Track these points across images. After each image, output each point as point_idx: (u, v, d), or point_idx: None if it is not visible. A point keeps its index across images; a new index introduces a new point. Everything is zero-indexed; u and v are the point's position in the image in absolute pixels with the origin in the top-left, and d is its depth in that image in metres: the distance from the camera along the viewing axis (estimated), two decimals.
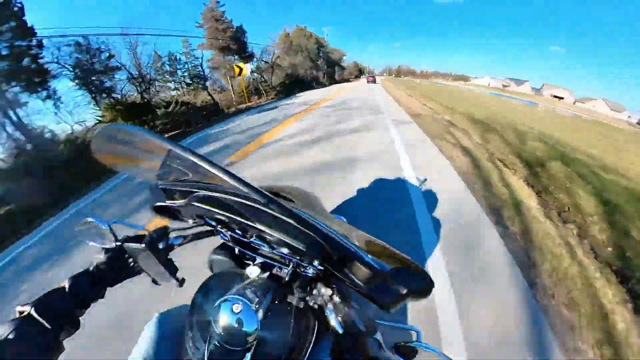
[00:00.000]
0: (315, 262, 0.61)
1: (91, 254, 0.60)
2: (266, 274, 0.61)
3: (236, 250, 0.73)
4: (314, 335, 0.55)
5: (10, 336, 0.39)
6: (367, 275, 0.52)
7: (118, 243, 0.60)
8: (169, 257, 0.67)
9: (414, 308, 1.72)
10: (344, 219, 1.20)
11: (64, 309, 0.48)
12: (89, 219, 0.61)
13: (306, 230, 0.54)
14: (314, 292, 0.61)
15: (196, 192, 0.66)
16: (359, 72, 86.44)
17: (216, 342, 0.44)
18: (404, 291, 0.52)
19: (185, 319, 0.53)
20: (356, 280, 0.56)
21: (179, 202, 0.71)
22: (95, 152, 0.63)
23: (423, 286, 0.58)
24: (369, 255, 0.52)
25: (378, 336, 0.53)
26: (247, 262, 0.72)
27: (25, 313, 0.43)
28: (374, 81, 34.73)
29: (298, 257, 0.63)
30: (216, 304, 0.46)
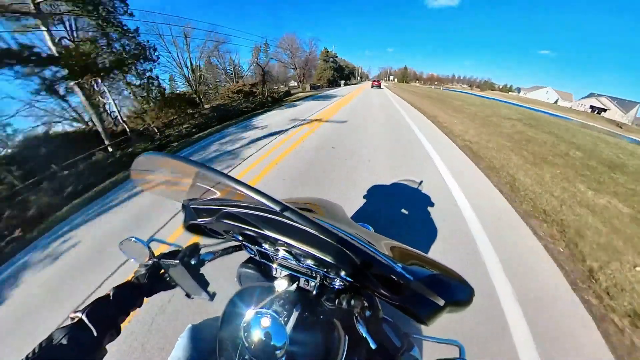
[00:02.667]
0: (343, 274, 0.60)
1: None
2: (294, 287, 0.61)
3: (263, 264, 0.74)
4: (345, 350, 0.52)
5: (64, 341, 0.43)
6: (399, 285, 0.49)
7: (155, 259, 0.65)
8: (200, 272, 0.69)
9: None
10: (371, 228, 1.17)
11: (109, 316, 0.52)
12: (131, 238, 0.66)
13: (331, 241, 0.53)
14: (343, 304, 0.58)
15: (223, 209, 0.69)
16: (340, 74, 51.28)
17: (246, 356, 0.44)
18: (442, 302, 0.48)
19: (217, 331, 0.54)
20: (387, 292, 0.53)
21: (208, 219, 0.75)
22: (135, 181, 0.69)
23: (463, 296, 0.53)
24: (399, 264, 0.49)
25: (415, 352, 0.49)
26: (275, 275, 0.72)
27: (77, 319, 0.48)
28: (379, 86, 34.60)
29: (325, 269, 0.62)
30: (245, 317, 0.46)
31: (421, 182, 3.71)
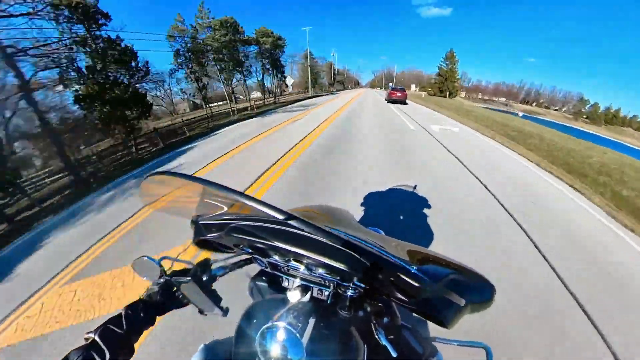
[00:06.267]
0: (356, 280, 0.58)
1: None
2: (307, 297, 0.60)
3: (274, 275, 0.73)
4: None
5: None
6: (415, 288, 0.48)
7: (167, 277, 0.65)
8: (212, 287, 0.69)
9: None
10: (382, 231, 1.15)
11: (122, 336, 0.52)
12: (143, 257, 0.67)
13: (341, 248, 0.52)
14: (359, 312, 0.57)
15: (232, 223, 0.69)
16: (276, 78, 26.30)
17: None
18: (462, 303, 0.46)
19: (231, 350, 0.53)
20: (404, 296, 0.52)
21: (217, 234, 0.75)
22: (143, 201, 0.70)
23: (484, 294, 0.51)
24: (414, 267, 0.48)
25: (440, 357, 0.46)
26: (287, 286, 0.71)
27: (91, 340, 0.48)
28: (404, 100, 18.11)
29: (338, 277, 0.61)
30: (259, 332, 0.45)
31: (415, 185, 3.76)
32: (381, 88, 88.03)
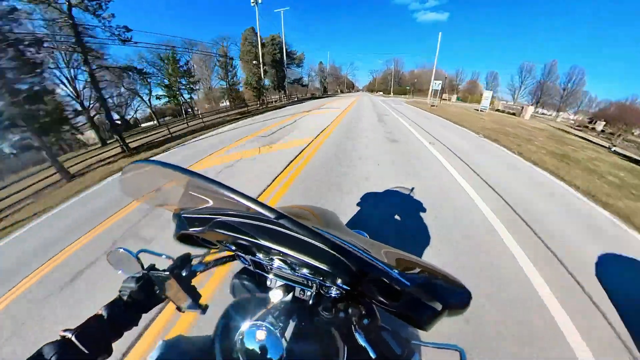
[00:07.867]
0: (339, 282, 0.59)
1: None
2: (289, 297, 0.59)
3: (257, 274, 0.72)
4: None
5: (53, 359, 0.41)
6: (396, 292, 0.49)
7: (145, 272, 0.62)
8: (192, 284, 0.67)
9: None
10: (366, 235, 1.16)
11: (101, 337, 0.49)
12: (120, 249, 0.64)
13: (326, 249, 0.52)
14: (340, 313, 0.57)
15: (216, 218, 0.68)
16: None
17: None
18: (439, 307, 0.48)
19: (192, 349, 0.52)
20: (385, 299, 0.53)
21: (200, 229, 0.73)
22: (124, 190, 0.67)
23: (460, 300, 0.53)
24: (396, 270, 0.49)
25: (416, 358, 0.48)
26: (270, 285, 0.70)
27: (67, 339, 0.45)
28: None
29: (321, 278, 0.61)
30: (239, 330, 0.44)
31: (412, 188, 4.08)
32: (386, 94, 63.33)
